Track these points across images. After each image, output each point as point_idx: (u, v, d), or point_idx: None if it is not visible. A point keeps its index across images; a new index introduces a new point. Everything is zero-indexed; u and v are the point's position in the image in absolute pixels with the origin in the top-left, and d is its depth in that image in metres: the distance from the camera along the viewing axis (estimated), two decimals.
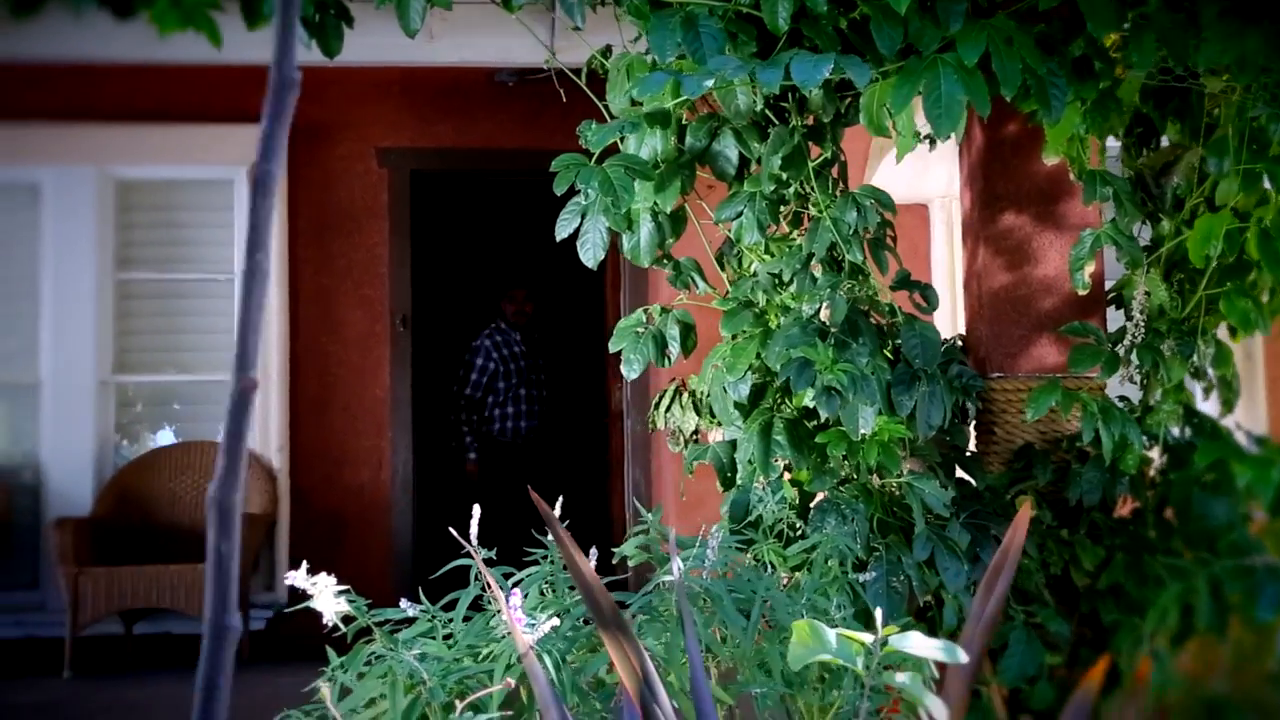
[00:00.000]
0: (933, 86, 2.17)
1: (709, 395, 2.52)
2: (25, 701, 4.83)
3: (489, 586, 1.88)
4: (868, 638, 1.24)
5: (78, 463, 6.16)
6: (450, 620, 2.12)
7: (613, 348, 2.62)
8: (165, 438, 6.36)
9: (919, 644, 1.25)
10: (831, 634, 1.25)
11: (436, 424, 7.33)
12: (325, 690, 1.71)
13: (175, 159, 6.38)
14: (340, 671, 2.19)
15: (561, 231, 2.55)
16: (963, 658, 1.25)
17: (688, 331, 2.62)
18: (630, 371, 2.58)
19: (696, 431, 3.29)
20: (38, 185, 6.30)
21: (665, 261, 2.68)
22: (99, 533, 5.76)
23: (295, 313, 6.37)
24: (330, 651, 2.18)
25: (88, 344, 6.21)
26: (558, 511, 1.86)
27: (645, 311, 2.66)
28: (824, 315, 2.37)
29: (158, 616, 5.96)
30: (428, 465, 6.84)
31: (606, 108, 2.71)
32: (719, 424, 3.25)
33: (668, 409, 3.12)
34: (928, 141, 3.30)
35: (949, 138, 2.24)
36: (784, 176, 2.46)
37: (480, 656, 1.86)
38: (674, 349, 2.60)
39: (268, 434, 6.26)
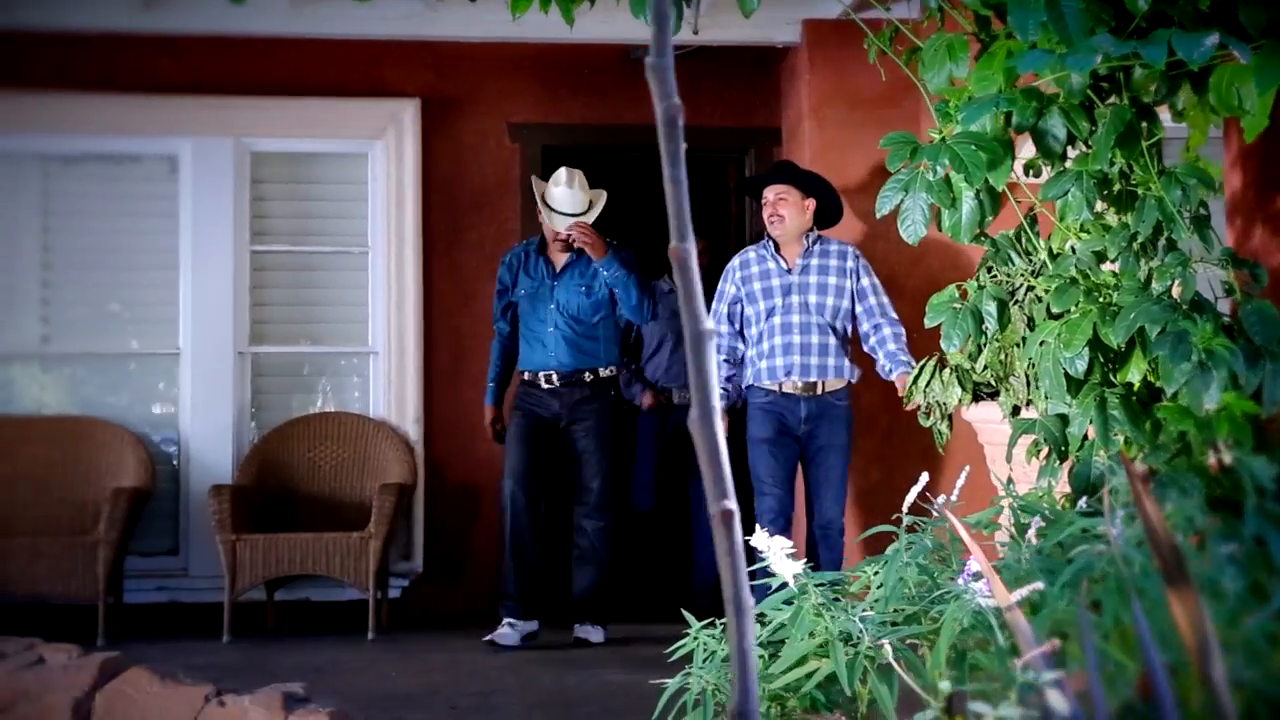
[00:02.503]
0: None
1: (1034, 370, 2.57)
2: (200, 663, 4.90)
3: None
4: None
5: (217, 432, 6.23)
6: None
7: (929, 322, 2.68)
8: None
9: None
10: None
11: None
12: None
13: (310, 132, 6.43)
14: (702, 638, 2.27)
15: (883, 208, 2.61)
16: None
17: (1003, 308, 2.68)
18: (950, 346, 2.64)
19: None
20: (176, 157, 6.36)
21: (983, 239, 2.74)
22: (249, 500, 5.84)
23: (429, 286, 6.43)
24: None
25: (225, 315, 6.27)
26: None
27: (958, 287, 2.72)
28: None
29: (296, 584, 6.05)
30: None
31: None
32: (974, 399, 3.31)
33: (927, 384, 3.17)
34: None
35: None
36: (1113, 156, 2.52)
37: (908, 618, 1.93)
38: (990, 325, 2.66)
39: (404, 406, 6.33)
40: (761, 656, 2.31)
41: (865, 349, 5.16)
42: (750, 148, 6.73)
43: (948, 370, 3.21)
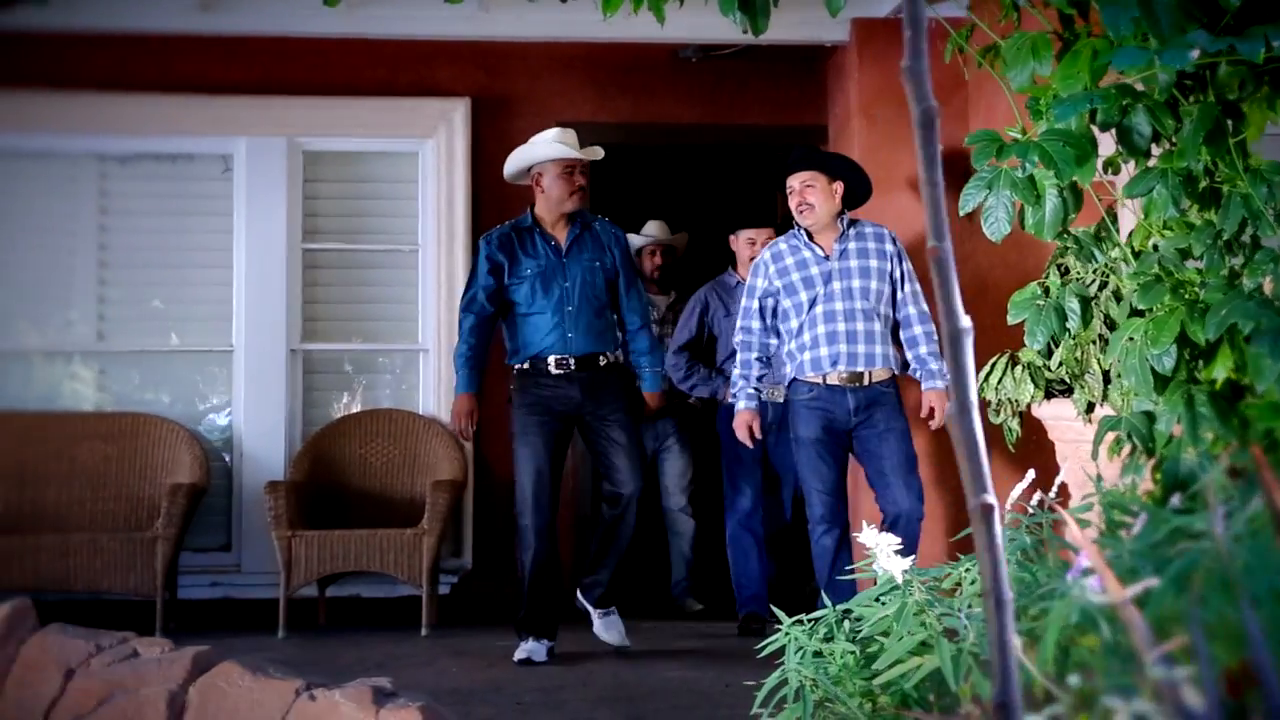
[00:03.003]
0: None
1: (1121, 366, 2.58)
2: (260, 659, 4.94)
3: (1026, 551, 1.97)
4: None
5: (269, 428, 6.29)
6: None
7: (1012, 319, 2.69)
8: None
9: None
10: None
11: None
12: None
13: (362, 131, 6.48)
14: (797, 637, 2.28)
15: (966, 205, 2.62)
16: None
17: (1086, 305, 2.69)
18: (1034, 343, 2.65)
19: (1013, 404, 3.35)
20: (231, 156, 6.42)
21: (1065, 236, 2.75)
22: (303, 497, 5.89)
23: None
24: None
25: (278, 312, 6.33)
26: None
27: (1041, 284, 2.73)
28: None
29: (346, 580, 6.10)
30: None
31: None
32: (1045, 396, 3.31)
33: (999, 381, 3.18)
34: None
35: None
36: (1200, 153, 2.52)
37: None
38: (1074, 323, 2.67)
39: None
40: (852, 653, 2.33)
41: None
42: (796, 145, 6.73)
43: (1019, 367, 3.21)
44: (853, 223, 4.95)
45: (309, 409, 6.44)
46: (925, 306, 4.82)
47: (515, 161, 5.25)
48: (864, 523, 2.09)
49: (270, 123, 6.36)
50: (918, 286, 4.85)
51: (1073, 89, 2.53)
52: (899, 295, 4.84)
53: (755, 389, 4.95)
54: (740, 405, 4.93)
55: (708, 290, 6.14)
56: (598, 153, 5.25)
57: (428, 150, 6.49)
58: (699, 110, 6.73)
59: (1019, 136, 2.56)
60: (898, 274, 4.84)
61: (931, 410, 4.69)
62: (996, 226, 2.60)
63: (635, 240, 6.49)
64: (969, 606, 2.00)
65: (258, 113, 6.34)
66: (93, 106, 6.25)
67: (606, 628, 5.12)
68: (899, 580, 2.04)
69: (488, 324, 5.09)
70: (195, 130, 6.36)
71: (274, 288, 6.33)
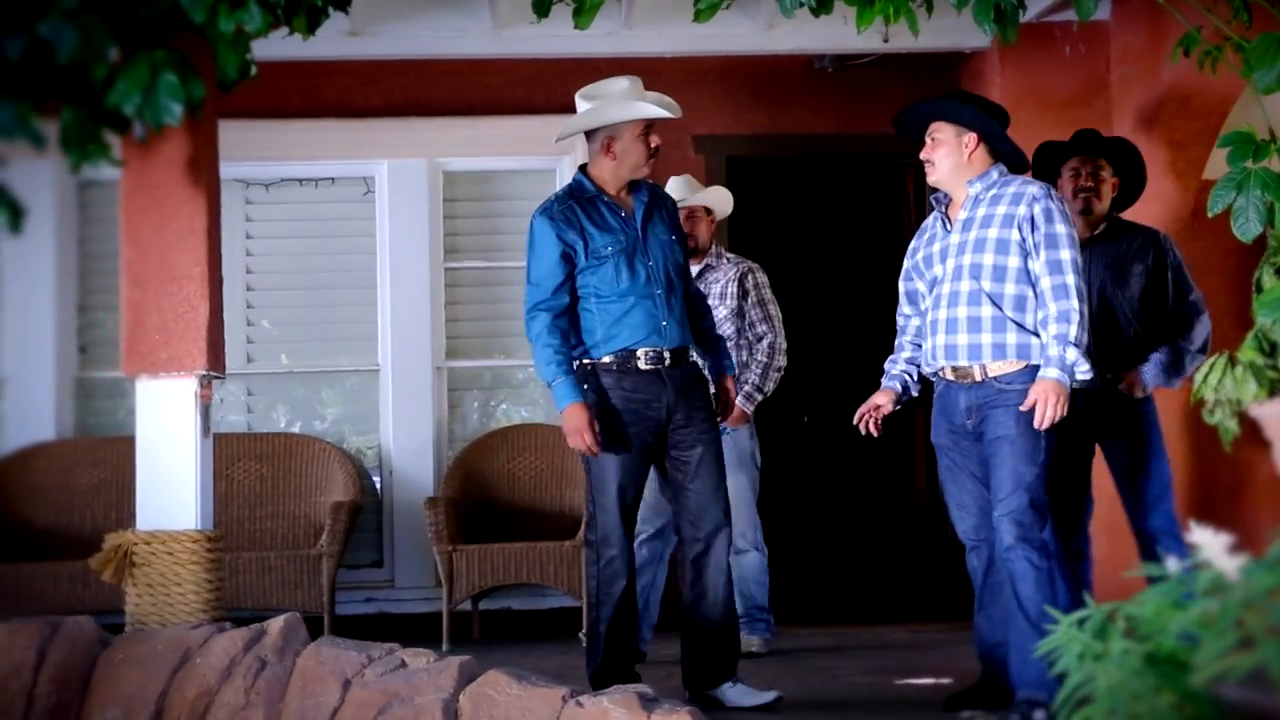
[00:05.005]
0: None
1: None
2: None
3: None
4: None
5: (418, 445, 6.39)
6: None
7: (1264, 319, 2.70)
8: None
9: None
10: None
11: None
12: None
13: (501, 150, 6.58)
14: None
15: (1214, 207, 2.63)
16: None
17: None
18: None
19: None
20: (372, 178, 6.55)
21: None
22: (458, 512, 5.97)
23: None
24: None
25: (423, 331, 6.43)
26: None
27: None
28: None
29: (498, 593, 6.18)
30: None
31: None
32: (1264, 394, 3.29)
33: (1219, 382, 3.17)
34: None
35: None
36: None
37: None
38: None
39: None
40: (1132, 651, 2.34)
41: None
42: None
43: (1239, 367, 3.20)
44: (995, 183, 3.91)
45: (453, 425, 6.54)
46: (1069, 279, 3.72)
47: (586, 121, 4.23)
48: (1190, 521, 2.10)
49: (411, 144, 6.49)
50: (1060, 255, 3.74)
51: None
52: (1034, 264, 3.79)
53: (898, 375, 4.14)
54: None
55: None
56: (675, 108, 4.38)
57: (565, 167, 6.57)
58: (833, 120, 6.76)
59: (1264, 138, 2.56)
60: (1032, 240, 3.78)
61: (1034, 403, 3.65)
62: (1247, 227, 2.61)
63: None
64: None
65: (399, 135, 6.47)
66: (239, 133, 6.32)
67: (740, 695, 4.14)
68: (1231, 577, 2.04)
69: (564, 320, 4.10)
70: (338, 154, 6.50)
71: (418, 307, 6.44)
